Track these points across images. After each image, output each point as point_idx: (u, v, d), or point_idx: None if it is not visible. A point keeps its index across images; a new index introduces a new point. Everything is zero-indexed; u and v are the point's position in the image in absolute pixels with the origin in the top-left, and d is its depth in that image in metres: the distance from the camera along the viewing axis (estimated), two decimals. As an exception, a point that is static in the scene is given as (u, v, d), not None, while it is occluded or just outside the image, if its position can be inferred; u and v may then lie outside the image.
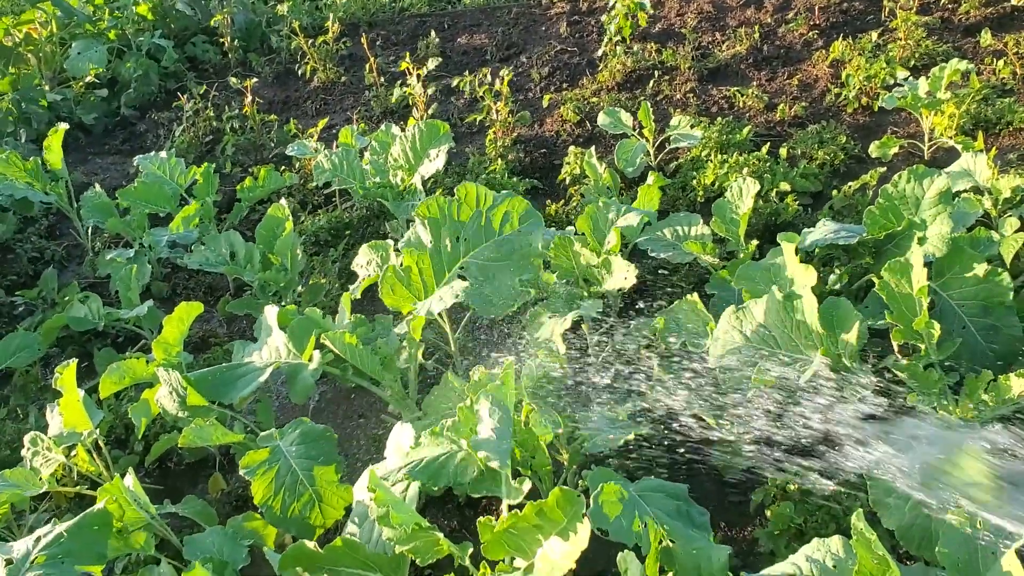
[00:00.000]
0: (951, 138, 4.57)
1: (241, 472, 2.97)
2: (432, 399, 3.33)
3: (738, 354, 2.92)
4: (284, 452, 3.02)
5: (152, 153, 5.36)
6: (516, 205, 3.12)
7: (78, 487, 3.50)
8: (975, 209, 3.64)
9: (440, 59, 6.43)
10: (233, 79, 6.64)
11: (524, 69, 6.80)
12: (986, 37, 5.52)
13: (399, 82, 6.47)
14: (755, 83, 5.89)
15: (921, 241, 3.20)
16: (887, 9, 6.25)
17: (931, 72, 4.70)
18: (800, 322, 2.86)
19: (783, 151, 4.89)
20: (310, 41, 7.38)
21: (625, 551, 2.21)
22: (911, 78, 4.99)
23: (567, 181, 5.13)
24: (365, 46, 6.70)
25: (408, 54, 6.24)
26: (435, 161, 4.56)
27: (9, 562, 2.43)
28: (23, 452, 3.39)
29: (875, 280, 3.01)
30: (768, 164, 4.70)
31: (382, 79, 6.75)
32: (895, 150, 4.72)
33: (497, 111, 5.76)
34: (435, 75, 6.73)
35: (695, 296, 3.36)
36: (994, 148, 4.53)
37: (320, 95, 7.14)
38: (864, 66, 5.44)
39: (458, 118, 6.30)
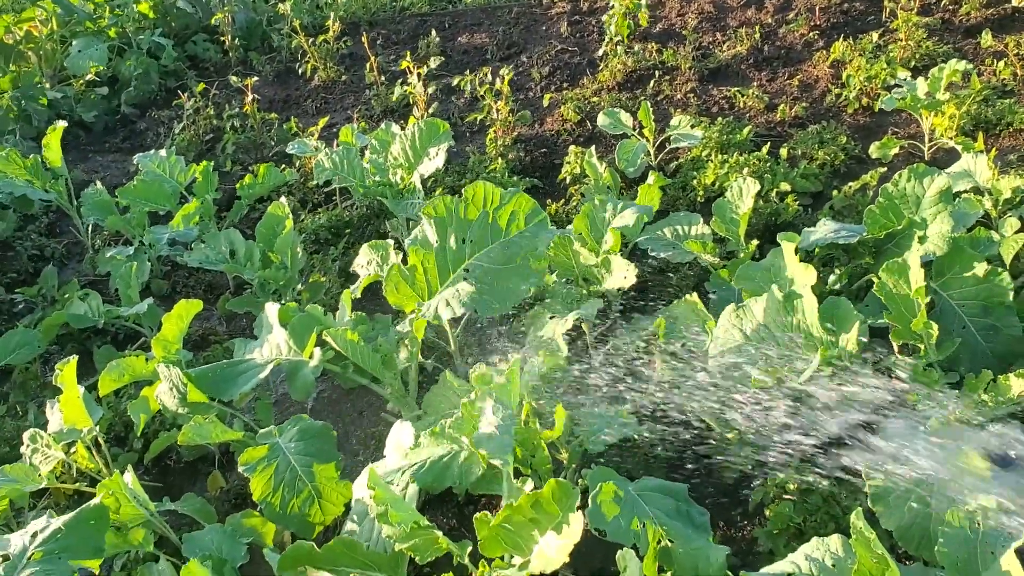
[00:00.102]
0: (951, 139, 4.57)
1: (240, 469, 2.97)
2: (431, 397, 3.33)
3: (738, 352, 2.92)
4: (283, 449, 3.02)
5: (152, 151, 5.36)
6: (523, 204, 3.07)
7: (77, 484, 3.50)
8: (975, 210, 3.64)
9: (441, 58, 6.43)
10: (233, 77, 6.63)
11: (525, 68, 6.80)
12: (987, 38, 5.52)
13: (400, 81, 6.47)
14: (756, 83, 5.89)
15: (922, 240, 3.21)
16: (888, 10, 6.25)
17: (930, 73, 4.70)
18: (800, 322, 2.86)
19: (783, 151, 4.89)
20: (311, 40, 7.38)
21: (624, 549, 2.21)
22: (911, 79, 4.99)
23: (567, 180, 5.12)
24: (366, 45, 6.70)
25: (409, 53, 6.24)
26: (435, 160, 4.56)
27: (5, 558, 2.42)
28: (22, 449, 3.39)
29: (874, 280, 3.01)
30: (768, 164, 4.70)
31: (383, 78, 6.75)
32: (895, 151, 4.73)
33: (497, 110, 5.76)
34: (436, 74, 6.73)
35: (695, 296, 3.36)
36: (994, 149, 4.53)
37: (320, 94, 7.15)
38: (864, 67, 5.44)
39: (459, 117, 6.31)
